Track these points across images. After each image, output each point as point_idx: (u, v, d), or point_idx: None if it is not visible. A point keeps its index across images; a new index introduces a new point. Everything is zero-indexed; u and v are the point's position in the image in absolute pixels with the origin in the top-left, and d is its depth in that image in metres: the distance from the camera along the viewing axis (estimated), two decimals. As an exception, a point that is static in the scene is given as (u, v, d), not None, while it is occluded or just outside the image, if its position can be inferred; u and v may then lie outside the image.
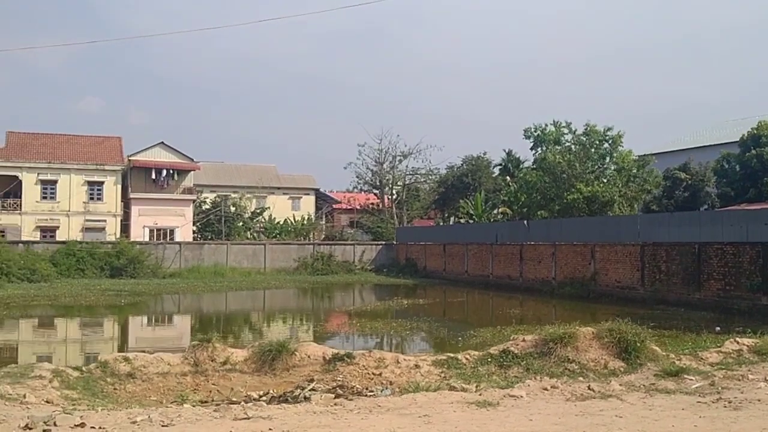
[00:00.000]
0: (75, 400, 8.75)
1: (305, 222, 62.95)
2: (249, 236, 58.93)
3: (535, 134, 47.30)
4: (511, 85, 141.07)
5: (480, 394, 8.57)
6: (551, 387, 9.01)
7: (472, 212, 57.11)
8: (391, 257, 53.47)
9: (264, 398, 9.37)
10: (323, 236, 64.21)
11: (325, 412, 7.50)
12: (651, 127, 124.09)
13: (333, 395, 8.77)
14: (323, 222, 71.38)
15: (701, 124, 78.74)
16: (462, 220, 59.38)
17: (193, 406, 8.19)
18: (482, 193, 58.11)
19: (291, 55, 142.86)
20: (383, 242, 56.08)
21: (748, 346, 12.38)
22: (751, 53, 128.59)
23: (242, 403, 8.21)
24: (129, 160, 57.36)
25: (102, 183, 55.43)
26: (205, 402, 9.57)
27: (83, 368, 10.42)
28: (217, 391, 10.15)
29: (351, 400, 8.43)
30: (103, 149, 57.42)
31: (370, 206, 69.54)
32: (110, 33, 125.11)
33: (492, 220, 56.00)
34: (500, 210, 59.54)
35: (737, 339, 12.75)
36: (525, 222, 42.17)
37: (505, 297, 35.28)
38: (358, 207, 70.81)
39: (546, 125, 47.29)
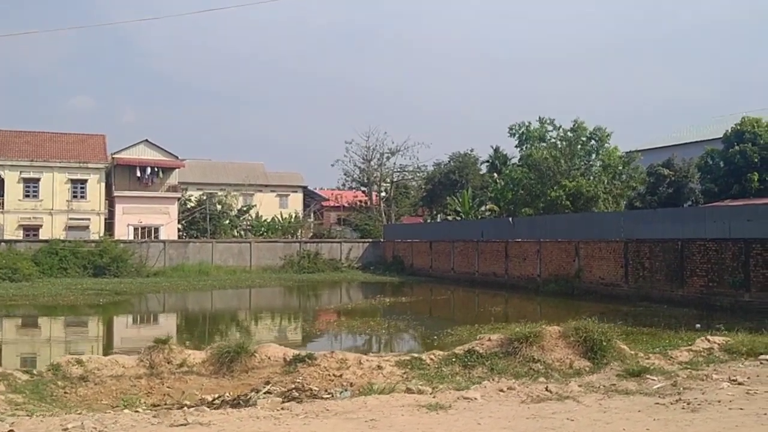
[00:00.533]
0: (19, 405, 8.46)
1: (292, 220, 62.61)
2: (235, 234, 58.59)
3: (520, 131, 47.16)
4: (500, 82, 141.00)
5: (434, 397, 8.34)
6: (508, 388, 8.78)
7: (459, 209, 56.94)
8: (378, 255, 53.24)
9: (216, 401, 9.13)
10: (311, 234, 63.94)
11: (269, 417, 7.25)
12: (639, 124, 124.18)
13: (281, 399, 8.51)
14: (311, 219, 71.10)
15: (687, 121, 78.95)
16: (449, 218, 59.21)
17: (136, 411, 7.92)
18: (469, 190, 57.96)
19: (284, 53, 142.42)
20: (370, 240, 55.87)
21: (719, 344, 12.20)
22: (737, 50, 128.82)
23: (184, 408, 7.95)
24: (113, 158, 56.97)
25: (85, 181, 54.92)
26: (157, 406, 9.31)
27: (34, 371, 10.13)
28: (169, 395, 9.88)
29: (301, 403, 8.19)
30: (86, 147, 56.92)
31: (358, 204, 69.31)
32: (104, 32, 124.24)
33: (479, 217, 55.87)
34: (487, 207, 59.37)
35: (708, 337, 12.58)
36: (510, 219, 42.02)
37: (490, 294, 35.08)
38: (346, 204, 70.53)
39: (530, 122, 47.25)
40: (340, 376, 10.55)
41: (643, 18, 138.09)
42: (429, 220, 65.80)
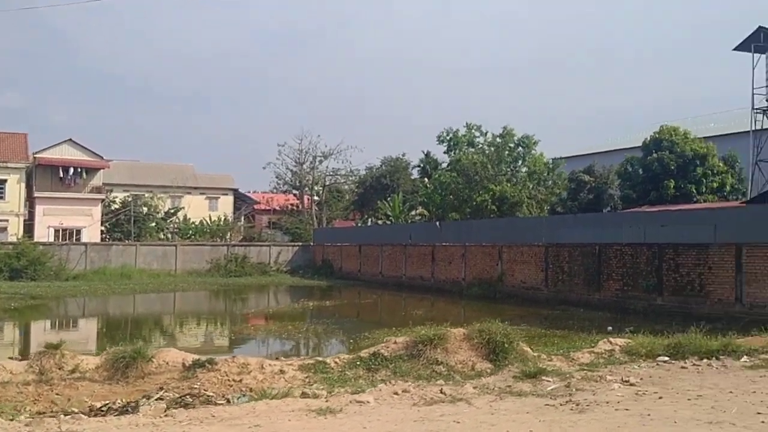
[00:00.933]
0: None
1: (221, 223, 61.67)
2: (162, 237, 57.33)
3: (448, 138, 47.75)
4: (436, 86, 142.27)
5: (327, 401, 8.23)
6: (402, 391, 8.73)
7: (390, 213, 57.13)
8: (308, 258, 52.98)
9: (104, 409, 8.81)
10: (241, 237, 63.08)
11: (148, 425, 7.01)
12: (565, 132, 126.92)
13: (169, 405, 8.26)
14: (241, 223, 70.16)
15: (612, 130, 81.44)
16: (380, 222, 59.37)
17: (9, 419, 7.55)
18: (400, 194, 58.23)
19: (222, 51, 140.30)
20: (300, 243, 55.58)
21: (620, 346, 12.46)
22: (661, 65, 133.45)
23: (61, 415, 7.63)
24: (35, 157, 55.01)
25: (4, 181, 52.74)
26: (43, 413, 8.93)
27: None
28: (56, 402, 9.48)
29: (189, 409, 7.96)
30: (6, 146, 54.73)
31: (290, 207, 68.79)
32: (34, 27, 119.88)
33: (410, 221, 56.20)
34: (418, 211, 59.81)
35: (610, 339, 12.85)
36: (437, 223, 42.36)
37: (417, 298, 35.25)
38: (277, 208, 69.93)
39: (458, 129, 47.93)
40: (240, 381, 10.33)
41: (580, 31, 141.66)
42: (360, 224, 65.80)
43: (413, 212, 60.06)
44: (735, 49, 43.04)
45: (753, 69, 41.90)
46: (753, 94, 41.80)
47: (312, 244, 55.28)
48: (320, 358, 11.37)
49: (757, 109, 41.91)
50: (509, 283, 32.72)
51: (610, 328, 20.30)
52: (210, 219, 61.77)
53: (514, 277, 32.50)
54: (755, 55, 41.67)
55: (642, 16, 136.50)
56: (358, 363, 11.07)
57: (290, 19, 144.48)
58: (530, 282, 31.51)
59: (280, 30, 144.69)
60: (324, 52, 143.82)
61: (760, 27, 40.84)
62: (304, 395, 8.78)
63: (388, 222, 56.32)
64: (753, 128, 41.78)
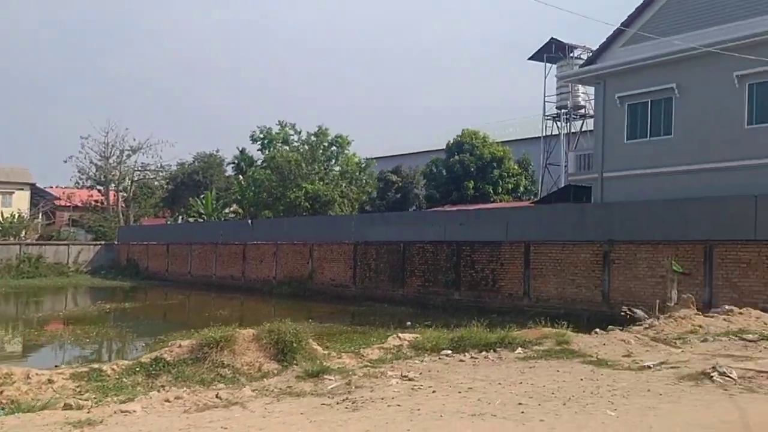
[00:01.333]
0: None
1: (15, 220, 56.80)
2: (-56, 236, 51.84)
3: (261, 136, 47.41)
4: (251, 85, 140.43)
5: (89, 412, 7.69)
6: (175, 398, 8.36)
7: (202, 211, 55.55)
8: (112, 258, 50.31)
9: None
10: (38, 235, 58.49)
11: None
12: (377, 133, 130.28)
13: None
14: (39, 220, 65.06)
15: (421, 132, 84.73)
16: (192, 219, 57.53)
17: None
18: (213, 191, 56.83)
19: (18, 33, 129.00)
20: (103, 242, 52.53)
21: (408, 341, 12.79)
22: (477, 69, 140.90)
23: None
24: None
25: None
26: None
27: None
28: None
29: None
30: None
31: (93, 203, 64.74)
32: None
33: (224, 218, 55.03)
34: (231, 209, 58.72)
35: (399, 335, 13.16)
36: (249, 221, 41.79)
37: (226, 297, 34.57)
38: (80, 204, 65.62)
39: (270, 127, 47.69)
40: (1, 393, 9.44)
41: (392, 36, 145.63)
42: (171, 222, 63.36)
43: (227, 210, 58.86)
44: (530, 59, 46.07)
45: (545, 78, 45.28)
46: (545, 102, 45.18)
47: (117, 242, 52.49)
48: (95, 366, 10.67)
49: (547, 116, 45.30)
50: (319, 280, 32.97)
51: (409, 323, 20.95)
52: (2, 216, 56.77)
53: (324, 275, 32.79)
54: (547, 65, 44.94)
55: (457, 24, 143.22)
56: (137, 369, 10.48)
57: (100, 4, 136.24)
58: (339, 279, 31.92)
59: (87, 15, 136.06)
60: (135, 42, 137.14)
61: (552, 38, 43.94)
62: (66, 407, 8.14)
63: (201, 220, 54.72)
64: (544, 134, 45.18)
